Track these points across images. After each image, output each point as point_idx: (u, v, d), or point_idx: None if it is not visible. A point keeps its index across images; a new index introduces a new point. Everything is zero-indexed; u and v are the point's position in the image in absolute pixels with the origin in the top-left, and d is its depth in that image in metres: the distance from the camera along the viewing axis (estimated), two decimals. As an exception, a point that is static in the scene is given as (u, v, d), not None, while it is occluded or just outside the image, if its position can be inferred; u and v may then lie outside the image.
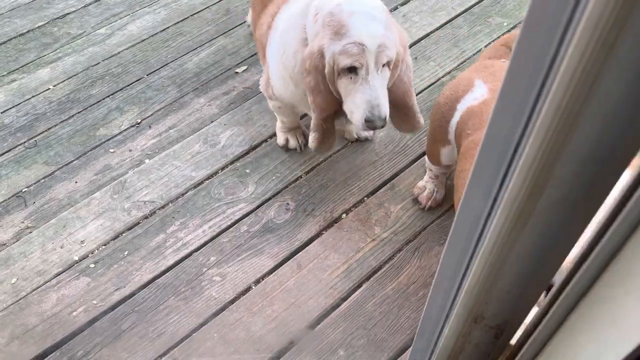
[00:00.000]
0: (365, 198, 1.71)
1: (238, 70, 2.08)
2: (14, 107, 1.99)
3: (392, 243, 1.60)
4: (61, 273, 1.55)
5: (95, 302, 1.48)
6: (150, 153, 1.84)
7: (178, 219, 1.66)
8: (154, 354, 1.40)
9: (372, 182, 1.74)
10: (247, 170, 1.78)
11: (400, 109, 1.49)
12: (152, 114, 1.96)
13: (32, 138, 1.90)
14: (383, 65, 1.32)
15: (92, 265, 1.56)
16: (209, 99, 2.00)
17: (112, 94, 2.02)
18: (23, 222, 1.67)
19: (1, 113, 1.98)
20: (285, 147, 1.81)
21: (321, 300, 1.49)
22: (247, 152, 1.83)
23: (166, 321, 1.45)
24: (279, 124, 1.80)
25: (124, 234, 1.63)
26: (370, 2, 1.34)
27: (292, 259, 1.56)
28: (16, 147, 1.88)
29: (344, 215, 1.67)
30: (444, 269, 0.76)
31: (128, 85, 2.05)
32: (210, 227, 1.64)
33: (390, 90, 1.41)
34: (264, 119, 1.92)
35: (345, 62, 1.28)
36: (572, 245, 0.62)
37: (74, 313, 1.46)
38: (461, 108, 1.32)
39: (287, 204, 1.69)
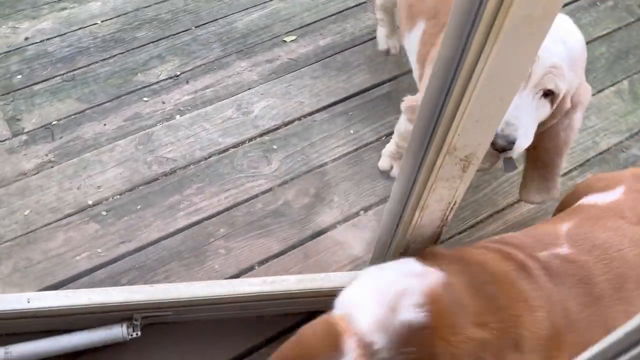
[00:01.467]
0: (388, 198, 1.65)
1: (286, 39, 2.01)
2: (59, 36, 1.98)
3: (405, 251, 1.55)
4: (73, 214, 1.56)
5: (99, 250, 1.49)
6: (182, 109, 1.81)
7: (196, 183, 1.64)
8: (138, 351, 1.40)
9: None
10: (274, 146, 1.73)
11: (540, 167, 1.29)
12: (191, 69, 1.92)
13: (71, 71, 1.89)
14: (544, 95, 1.14)
15: (103, 213, 1.56)
16: (251, 64, 1.94)
17: (156, 41, 1.99)
18: (47, 155, 1.68)
19: (46, 40, 1.97)
20: (387, 174, 1.67)
21: (321, 294, 1.46)
22: (278, 127, 1.78)
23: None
24: (391, 148, 1.64)
25: (140, 187, 1.62)
26: (572, 30, 1.16)
27: (300, 247, 1.53)
28: (54, 77, 1.87)
29: (362, 212, 1.62)
30: (424, 107, 0.87)
31: (174, 35, 2.01)
32: (226, 197, 1.62)
33: (540, 138, 1.22)
34: (302, 95, 1.86)
35: None
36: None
37: (77, 257, 1.47)
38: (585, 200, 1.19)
39: (308, 189, 1.65)
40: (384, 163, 1.67)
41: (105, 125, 1.76)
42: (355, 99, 1.87)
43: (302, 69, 1.93)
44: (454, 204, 1.04)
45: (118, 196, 1.60)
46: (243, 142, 1.74)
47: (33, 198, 1.58)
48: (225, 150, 1.72)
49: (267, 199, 1.62)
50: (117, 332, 1.29)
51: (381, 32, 1.90)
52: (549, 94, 1.14)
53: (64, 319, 1.28)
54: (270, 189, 1.64)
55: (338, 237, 1.56)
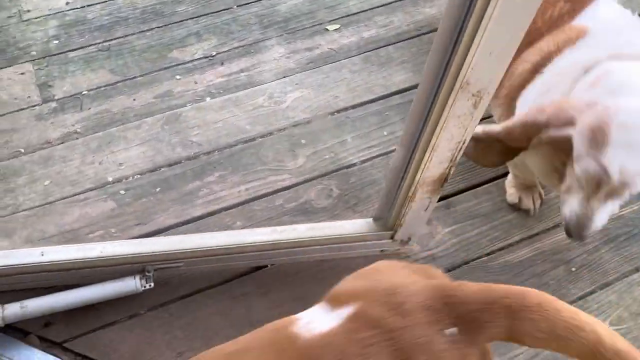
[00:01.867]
0: (424, 226, 1.56)
1: (329, 27, 1.93)
2: (100, 3, 1.95)
3: (426, 267, 1.46)
4: (92, 190, 1.53)
5: (113, 230, 1.46)
6: (214, 92, 1.76)
7: (218, 171, 1.59)
8: (151, 302, 1.37)
9: (427, 193, 1.59)
10: (302, 141, 1.67)
11: None
12: (228, 50, 1.86)
13: (107, 41, 1.86)
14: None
15: (122, 192, 1.53)
16: (289, 50, 1.87)
17: (196, 17, 1.94)
18: (73, 126, 1.66)
19: (87, 6, 1.94)
20: (518, 206, 1.55)
21: (332, 303, 1.40)
22: (309, 121, 1.71)
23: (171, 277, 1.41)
24: (510, 177, 1.57)
25: (162, 169, 1.59)
26: None
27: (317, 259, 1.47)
28: (90, 45, 1.85)
29: (385, 220, 1.54)
30: (439, 41, 0.89)
31: (215, 12, 1.95)
32: (247, 189, 1.56)
33: None
34: (339, 89, 1.78)
35: (578, 174, 1.05)
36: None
37: (91, 235, 1.45)
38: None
39: (331, 189, 1.58)
40: (511, 197, 1.56)
41: (134, 100, 1.73)
42: (394, 98, 1.77)
43: (342, 61, 1.85)
44: (463, 144, 1.06)
45: (138, 176, 1.57)
46: (271, 133, 1.68)
47: (55, 168, 1.57)
48: (252, 139, 1.66)
49: (289, 196, 1.56)
50: (131, 284, 1.28)
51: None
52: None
53: (78, 273, 1.27)
54: (292, 185, 1.58)
55: (357, 245, 1.48)
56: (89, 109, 1.70)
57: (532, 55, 1.28)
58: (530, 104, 1.24)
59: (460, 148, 1.06)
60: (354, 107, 1.75)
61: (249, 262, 1.38)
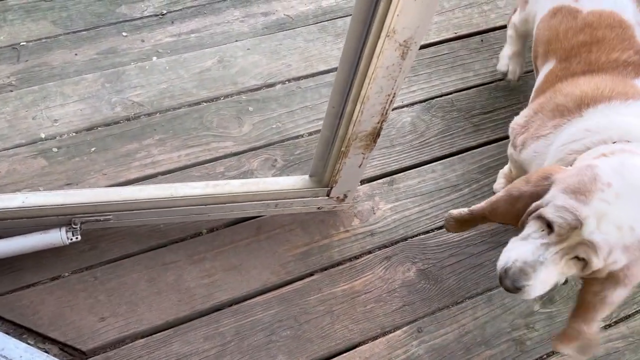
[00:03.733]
0: (358, 183, 1.54)
1: (288, -7, 1.87)
2: (46, -50, 1.84)
3: (364, 242, 1.45)
4: (22, 146, 1.46)
5: (41, 189, 1.40)
6: (161, 52, 1.69)
7: (159, 134, 1.53)
8: (77, 265, 1.33)
9: (372, 168, 1.57)
10: (249, 108, 1.62)
11: (576, 315, 1.06)
12: (180, 9, 1.79)
13: (51, -9, 1.76)
14: (576, 257, 0.95)
15: (54, 150, 1.47)
16: (244, 14, 1.80)
17: (148, -28, 1.85)
18: (8, 78, 1.58)
19: (32, -48, 1.83)
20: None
21: (265, 274, 1.38)
22: (258, 88, 1.66)
23: (102, 235, 1.37)
24: (506, 170, 1.51)
25: (99, 128, 1.52)
26: None
27: (254, 220, 1.44)
28: (32, -6, 1.75)
29: (327, 194, 1.52)
30: None
31: (169, -31, 1.86)
32: (187, 154, 1.51)
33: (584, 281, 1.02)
34: (291, 57, 1.73)
35: (548, 215, 0.95)
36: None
37: (17, 192, 1.38)
38: None
39: (275, 160, 1.54)
40: (498, 186, 1.51)
41: (76, 55, 1.65)
42: (347, 70, 1.73)
43: (298, 29, 1.80)
44: (393, 97, 1.05)
45: (74, 134, 1.50)
46: (218, 98, 1.62)
47: (-16, 121, 1.49)
48: (198, 103, 1.61)
49: (230, 164, 1.52)
50: (56, 236, 1.23)
51: (505, 52, 1.72)
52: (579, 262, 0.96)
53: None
54: (236, 153, 1.54)
55: (296, 216, 1.46)
56: (26, 61, 1.61)
57: (586, 85, 1.17)
58: (560, 146, 1.14)
59: (391, 101, 1.05)
60: (306, 77, 1.71)
61: (181, 217, 1.34)
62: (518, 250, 0.98)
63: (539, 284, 0.96)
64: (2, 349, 1.18)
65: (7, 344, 1.19)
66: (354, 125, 1.09)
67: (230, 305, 1.33)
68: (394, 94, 1.02)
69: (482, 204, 1.11)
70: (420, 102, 1.71)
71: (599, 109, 1.12)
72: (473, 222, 1.15)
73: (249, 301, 1.34)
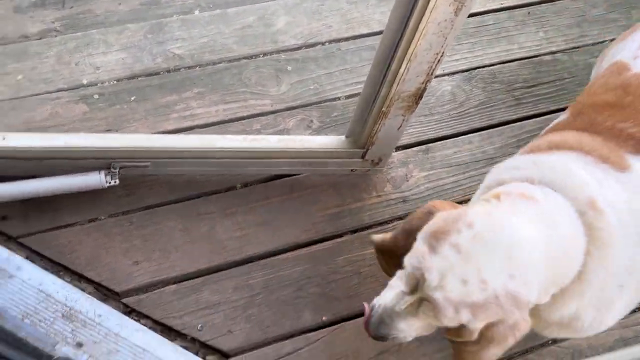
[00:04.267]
0: (394, 148, 1.53)
1: (333, -47, 1.83)
2: None
3: (396, 208, 1.45)
4: (65, 90, 1.48)
5: (82, 133, 1.43)
6: (203, 5, 1.68)
7: (198, 87, 1.54)
8: (114, 209, 1.35)
9: (408, 136, 1.55)
10: (288, 67, 1.61)
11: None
12: (224, -36, 1.77)
13: (98, -62, 1.76)
14: None
15: (95, 96, 1.49)
16: (288, -28, 1.78)
17: None
18: (53, 23, 1.59)
19: None
20: None
21: (296, 232, 1.39)
22: (298, 48, 1.65)
23: (140, 182, 1.39)
24: None
25: (139, 78, 1.54)
26: (523, 249, 0.81)
27: (288, 178, 1.44)
28: (79, -59, 1.75)
29: (361, 157, 1.51)
30: None
31: None
32: (225, 109, 1.52)
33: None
34: (334, 19, 1.71)
35: (404, 261, 0.86)
36: None
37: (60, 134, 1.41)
38: None
39: (312, 121, 1.54)
40: None
41: (120, 4, 1.65)
42: (389, 36, 1.71)
43: (340, -10, 1.77)
44: (441, 56, 1.02)
45: (115, 82, 1.52)
46: (257, 55, 1.62)
47: (29, 64, 1.51)
48: (237, 59, 1.60)
49: (266, 122, 1.52)
50: (95, 178, 1.26)
51: None
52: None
53: (41, 163, 1.25)
54: (272, 112, 1.54)
55: (330, 178, 1.46)
56: (71, 7, 1.63)
57: (571, 136, 1.02)
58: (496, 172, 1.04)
59: (439, 60, 1.03)
60: (347, 39, 1.69)
61: (217, 169, 1.35)
62: (385, 295, 0.89)
63: (403, 333, 0.88)
64: (40, 284, 1.22)
65: (45, 279, 1.23)
66: (397, 84, 1.08)
67: (260, 259, 1.35)
68: (443, 52, 1.00)
69: (389, 234, 0.99)
70: (462, 71, 1.68)
71: (563, 154, 0.97)
72: (387, 254, 1.00)
73: (278, 256, 1.35)
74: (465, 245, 0.79)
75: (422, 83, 1.09)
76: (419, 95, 1.14)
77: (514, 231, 0.81)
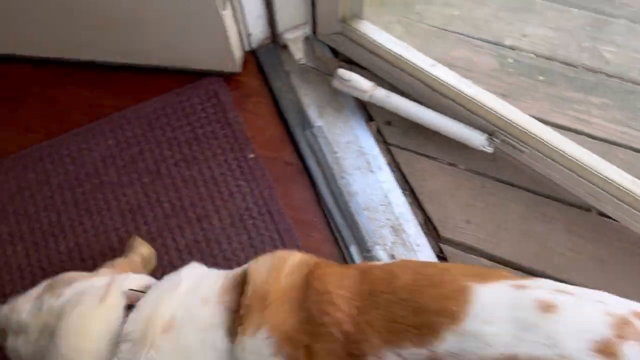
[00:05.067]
0: None
1: None
2: None
3: None
4: (486, 42, 1.55)
5: (483, 86, 1.48)
6: (656, 21, 1.55)
7: (607, 98, 1.45)
8: (474, 166, 1.40)
9: None
10: None
11: None
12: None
13: None
14: None
15: (510, 60, 1.52)
16: None
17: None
18: (506, -23, 1.64)
19: None
20: None
21: (631, 289, 1.26)
22: None
23: (508, 161, 1.40)
24: None
25: (557, 62, 1.51)
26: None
27: (650, 234, 1.30)
28: None
29: None
30: None
31: None
32: (622, 132, 1.41)
33: None
34: None
35: None
36: None
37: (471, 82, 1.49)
38: None
39: None
40: None
41: (574, -15, 1.62)
42: None
43: None
44: None
45: (533, 55, 1.52)
46: (688, 97, 1.44)
47: (468, 5, 1.60)
48: (664, 91, 1.45)
49: (660, 167, 1.37)
50: (477, 137, 1.32)
51: None
52: None
53: (441, 100, 1.35)
54: (672, 161, 1.38)
55: None
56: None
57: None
58: None
59: None
60: None
61: (578, 190, 1.29)
62: None
63: None
64: (389, 190, 1.36)
65: (393, 190, 1.36)
66: None
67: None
68: None
69: None
70: None
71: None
72: None
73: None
74: None
75: None
76: None
77: None
